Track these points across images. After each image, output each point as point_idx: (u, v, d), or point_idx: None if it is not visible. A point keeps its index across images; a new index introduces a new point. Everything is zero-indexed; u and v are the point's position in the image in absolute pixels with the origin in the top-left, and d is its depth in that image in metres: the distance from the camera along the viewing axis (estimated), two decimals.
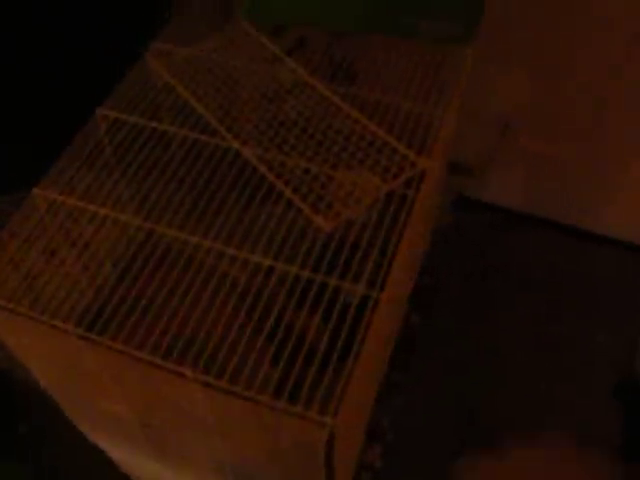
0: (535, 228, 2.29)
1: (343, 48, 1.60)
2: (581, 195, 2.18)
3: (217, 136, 1.29)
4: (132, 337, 1.09)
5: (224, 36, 1.47)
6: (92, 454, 1.71)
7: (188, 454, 1.39)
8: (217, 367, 1.05)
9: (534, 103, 1.90)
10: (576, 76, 1.82)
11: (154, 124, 1.32)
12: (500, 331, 2.08)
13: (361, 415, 1.50)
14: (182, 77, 1.38)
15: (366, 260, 1.12)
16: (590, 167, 2.06)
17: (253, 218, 1.23)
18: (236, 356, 1.02)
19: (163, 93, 1.39)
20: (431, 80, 1.39)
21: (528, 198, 2.25)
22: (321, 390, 1.01)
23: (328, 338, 1.09)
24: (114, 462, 1.78)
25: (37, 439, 1.94)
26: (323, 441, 1.00)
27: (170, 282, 1.19)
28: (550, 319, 2.10)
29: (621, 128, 1.92)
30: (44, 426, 1.93)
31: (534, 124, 1.95)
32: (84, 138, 1.32)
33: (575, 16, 1.69)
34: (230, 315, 1.14)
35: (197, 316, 1.12)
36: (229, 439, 1.23)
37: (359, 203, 1.18)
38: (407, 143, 1.27)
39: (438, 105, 1.33)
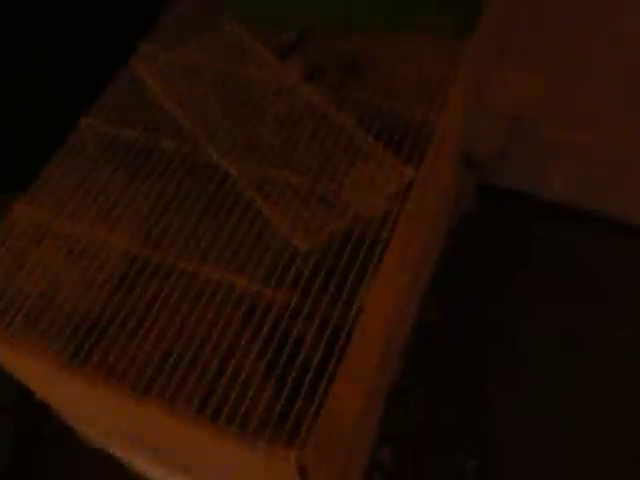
0: (559, 217, 2.19)
1: (346, 44, 1.54)
2: (605, 181, 2.08)
3: (198, 147, 1.26)
4: (116, 365, 1.07)
5: (211, 38, 1.42)
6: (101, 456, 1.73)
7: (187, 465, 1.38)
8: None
9: (549, 95, 1.80)
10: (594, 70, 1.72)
11: (135, 134, 1.28)
12: (519, 330, 2.00)
13: (358, 431, 1.46)
14: (164, 83, 1.34)
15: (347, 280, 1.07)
16: (616, 155, 1.96)
17: (238, 235, 1.19)
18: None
19: (147, 100, 1.35)
20: (429, 79, 1.32)
21: (551, 186, 2.15)
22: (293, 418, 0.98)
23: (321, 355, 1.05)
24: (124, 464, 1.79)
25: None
26: (292, 474, 0.97)
27: (160, 300, 1.16)
28: (569, 314, 2.02)
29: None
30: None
31: (551, 115, 1.86)
32: (69, 148, 1.30)
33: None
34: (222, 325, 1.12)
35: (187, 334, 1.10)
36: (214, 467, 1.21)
37: (339, 220, 1.13)
38: (395, 151, 1.20)
39: (433, 107, 1.26)
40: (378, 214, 1.15)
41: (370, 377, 1.34)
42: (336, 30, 1.52)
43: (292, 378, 1.00)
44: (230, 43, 1.40)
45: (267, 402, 1.03)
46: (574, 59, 1.70)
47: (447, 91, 1.26)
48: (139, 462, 1.61)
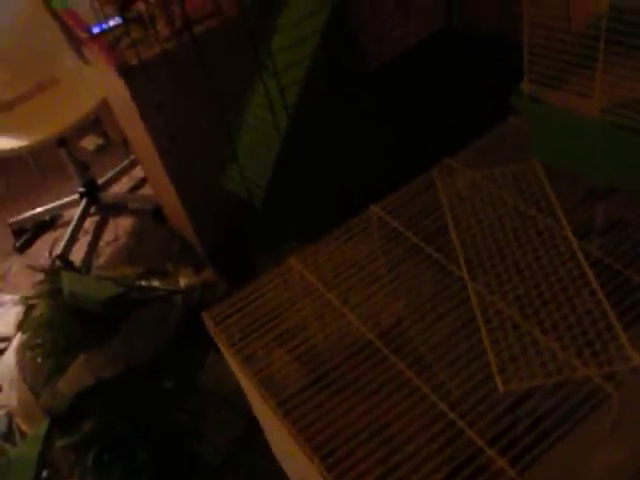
0: None
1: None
2: None
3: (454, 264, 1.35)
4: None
5: (513, 169, 1.50)
6: None
7: None
8: None
9: None
10: None
11: (409, 233, 1.42)
12: None
13: None
14: (454, 197, 1.46)
15: None
16: None
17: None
18: None
19: (434, 208, 1.48)
20: None
21: None
22: None
23: None
24: None
25: None
26: None
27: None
28: None
29: None
30: None
31: None
32: (353, 225, 1.48)
33: None
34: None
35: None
36: None
37: (548, 377, 1.14)
38: (634, 333, 1.17)
39: None
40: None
41: None
42: None
43: None
44: (526, 181, 1.47)
45: None
46: None
47: None
48: None
